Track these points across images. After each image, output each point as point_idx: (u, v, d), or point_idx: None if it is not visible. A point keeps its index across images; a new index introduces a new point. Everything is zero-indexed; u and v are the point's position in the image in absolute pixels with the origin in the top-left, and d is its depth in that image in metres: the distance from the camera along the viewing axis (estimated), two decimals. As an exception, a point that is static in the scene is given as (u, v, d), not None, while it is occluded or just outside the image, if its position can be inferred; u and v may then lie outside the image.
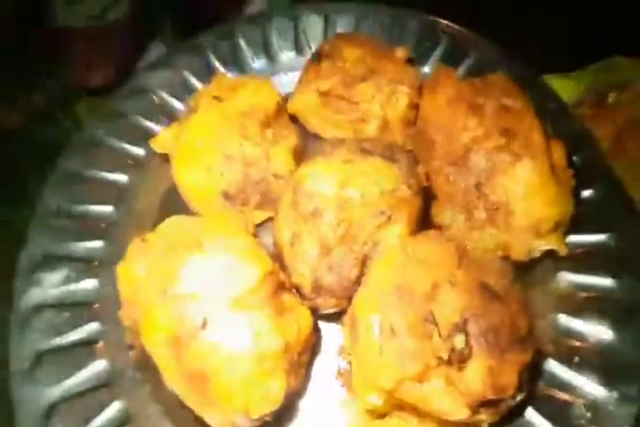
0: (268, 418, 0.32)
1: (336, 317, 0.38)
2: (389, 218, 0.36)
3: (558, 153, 0.39)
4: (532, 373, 0.34)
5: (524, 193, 0.36)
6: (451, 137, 0.40)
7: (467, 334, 0.29)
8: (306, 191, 0.37)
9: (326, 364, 0.38)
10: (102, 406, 0.35)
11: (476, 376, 0.29)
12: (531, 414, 0.34)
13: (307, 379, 0.37)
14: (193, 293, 0.32)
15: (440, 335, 0.29)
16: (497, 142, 0.37)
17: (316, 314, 0.37)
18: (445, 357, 0.29)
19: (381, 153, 0.39)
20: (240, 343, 0.31)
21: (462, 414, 0.28)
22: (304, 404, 0.37)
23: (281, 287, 0.34)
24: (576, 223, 0.39)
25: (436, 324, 0.29)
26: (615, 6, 0.68)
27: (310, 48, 0.55)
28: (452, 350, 0.29)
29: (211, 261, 0.32)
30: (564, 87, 0.69)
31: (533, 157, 0.37)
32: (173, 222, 0.36)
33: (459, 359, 0.29)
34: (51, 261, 0.40)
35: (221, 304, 0.31)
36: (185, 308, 0.31)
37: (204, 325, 0.31)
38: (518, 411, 0.34)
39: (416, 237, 0.35)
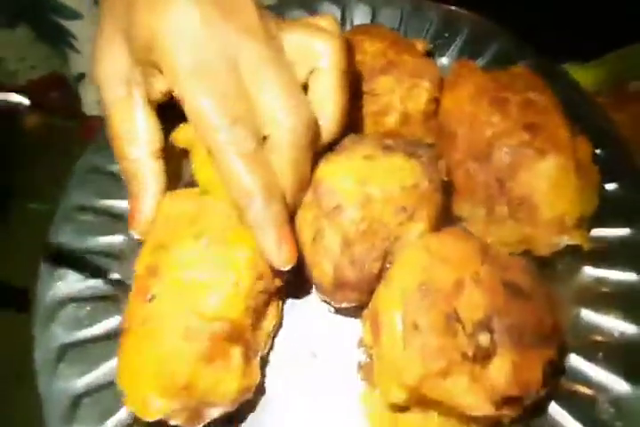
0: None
1: (353, 311, 0.39)
2: (411, 215, 0.36)
3: (584, 149, 0.38)
4: (556, 368, 0.34)
5: (548, 188, 0.36)
6: (473, 131, 0.39)
7: (491, 332, 0.29)
8: (327, 189, 0.36)
9: (344, 357, 0.38)
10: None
11: (500, 373, 0.29)
12: (554, 409, 0.34)
13: (325, 371, 0.38)
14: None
15: (465, 332, 0.29)
16: (521, 138, 0.37)
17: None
18: (470, 353, 0.29)
19: (403, 149, 0.39)
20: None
21: (486, 410, 0.29)
22: (322, 398, 0.37)
23: (238, 339, 0.33)
24: (599, 217, 0.39)
25: (461, 321, 0.29)
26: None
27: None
28: (477, 347, 0.29)
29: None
30: (583, 76, 0.67)
31: (558, 153, 0.36)
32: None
33: (483, 356, 0.29)
34: (74, 256, 0.41)
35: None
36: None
37: (151, 298, 0.33)
38: (541, 406, 0.34)
39: (439, 234, 0.34)
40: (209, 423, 0.35)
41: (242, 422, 0.37)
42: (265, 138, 0.33)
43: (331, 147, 0.40)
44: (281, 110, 0.32)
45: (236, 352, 0.33)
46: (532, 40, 0.55)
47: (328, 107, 0.35)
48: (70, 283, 0.40)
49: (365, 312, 0.37)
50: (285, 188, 0.34)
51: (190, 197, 0.37)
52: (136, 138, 0.35)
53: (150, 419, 0.32)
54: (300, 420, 0.37)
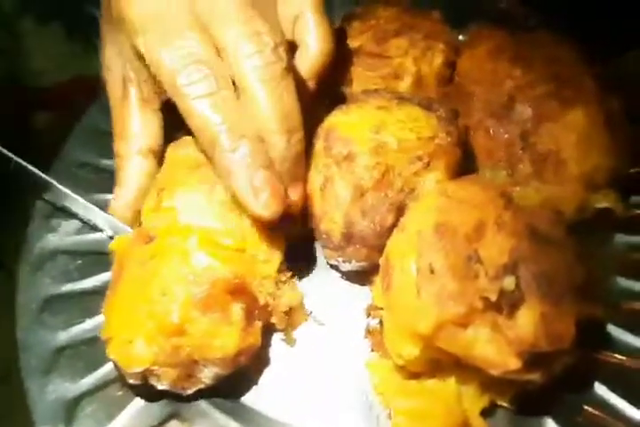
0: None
1: (362, 277, 0.36)
2: (427, 164, 0.33)
3: (616, 102, 0.35)
4: (594, 340, 0.31)
5: (576, 140, 0.33)
6: (492, 88, 0.37)
7: (517, 278, 0.26)
8: (338, 136, 0.34)
9: (352, 326, 0.35)
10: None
11: (528, 323, 0.25)
12: (593, 383, 0.30)
13: (333, 340, 0.35)
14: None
15: (487, 275, 0.26)
16: (545, 88, 0.35)
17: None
18: (493, 298, 0.25)
19: (419, 102, 0.37)
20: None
21: (511, 364, 0.25)
22: (325, 369, 0.34)
23: (241, 294, 0.31)
24: (635, 184, 0.36)
25: (482, 263, 0.26)
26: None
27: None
28: (501, 292, 0.26)
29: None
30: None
31: (586, 103, 0.34)
32: None
33: (508, 304, 0.26)
34: (68, 210, 0.39)
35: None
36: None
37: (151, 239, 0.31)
38: (575, 377, 0.30)
39: (456, 180, 0.32)
40: (208, 393, 0.32)
41: (243, 393, 0.33)
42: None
43: (344, 100, 0.38)
44: (239, 39, 0.29)
45: (237, 308, 0.31)
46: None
47: (311, 35, 0.34)
48: (62, 235, 0.38)
49: (372, 278, 0.34)
50: (270, 130, 0.30)
51: (195, 144, 0.35)
52: (127, 136, 0.35)
53: (132, 368, 0.28)
54: (305, 391, 0.33)
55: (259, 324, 0.32)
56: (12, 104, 0.73)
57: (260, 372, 0.34)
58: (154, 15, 0.30)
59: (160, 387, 0.30)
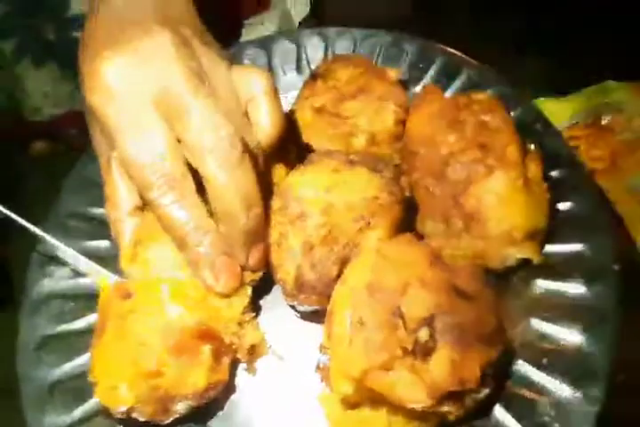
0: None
1: (317, 316, 0.41)
2: (369, 223, 0.39)
3: (534, 167, 0.41)
4: (502, 373, 0.36)
5: (495, 203, 0.39)
6: (432, 150, 0.43)
7: (432, 329, 0.32)
8: (294, 196, 0.40)
9: (309, 360, 0.40)
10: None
11: (439, 368, 0.31)
12: (498, 411, 0.36)
13: (291, 373, 0.40)
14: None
15: (405, 328, 0.31)
16: (473, 156, 0.40)
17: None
18: (409, 347, 0.31)
19: (366, 164, 0.42)
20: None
21: (423, 402, 0.30)
22: (284, 398, 0.39)
23: (209, 338, 0.36)
24: (553, 235, 0.42)
25: (403, 317, 0.32)
26: (609, 33, 0.72)
27: (310, 69, 0.59)
28: (417, 342, 0.31)
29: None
30: (559, 110, 0.72)
31: (506, 169, 0.39)
32: None
33: (423, 351, 0.31)
34: (60, 258, 0.44)
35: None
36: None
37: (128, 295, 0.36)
38: (486, 408, 0.35)
39: (392, 239, 0.37)
40: (179, 420, 0.37)
41: (211, 419, 0.39)
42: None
43: (301, 160, 0.44)
44: (198, 134, 0.34)
45: (206, 349, 0.36)
46: (512, 75, 0.59)
47: (263, 115, 0.38)
48: (57, 280, 0.43)
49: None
50: (231, 209, 0.35)
51: None
52: (115, 202, 0.40)
53: (117, 408, 0.34)
54: (267, 419, 0.39)
55: (226, 360, 0.38)
56: (11, 134, 0.80)
57: (226, 399, 0.39)
58: (120, 116, 0.35)
59: (141, 419, 0.35)
